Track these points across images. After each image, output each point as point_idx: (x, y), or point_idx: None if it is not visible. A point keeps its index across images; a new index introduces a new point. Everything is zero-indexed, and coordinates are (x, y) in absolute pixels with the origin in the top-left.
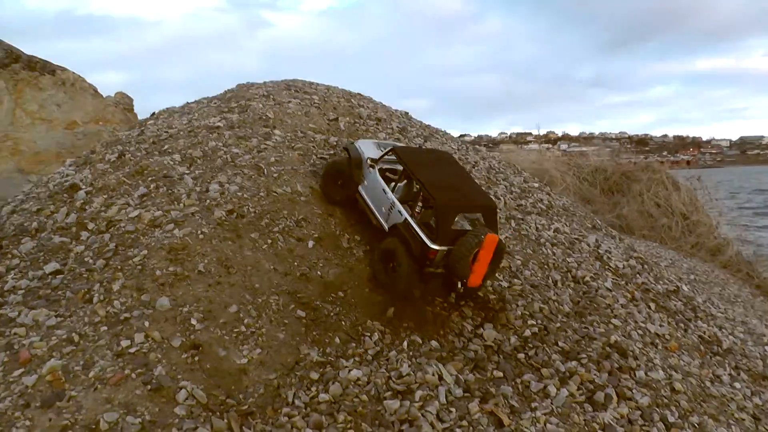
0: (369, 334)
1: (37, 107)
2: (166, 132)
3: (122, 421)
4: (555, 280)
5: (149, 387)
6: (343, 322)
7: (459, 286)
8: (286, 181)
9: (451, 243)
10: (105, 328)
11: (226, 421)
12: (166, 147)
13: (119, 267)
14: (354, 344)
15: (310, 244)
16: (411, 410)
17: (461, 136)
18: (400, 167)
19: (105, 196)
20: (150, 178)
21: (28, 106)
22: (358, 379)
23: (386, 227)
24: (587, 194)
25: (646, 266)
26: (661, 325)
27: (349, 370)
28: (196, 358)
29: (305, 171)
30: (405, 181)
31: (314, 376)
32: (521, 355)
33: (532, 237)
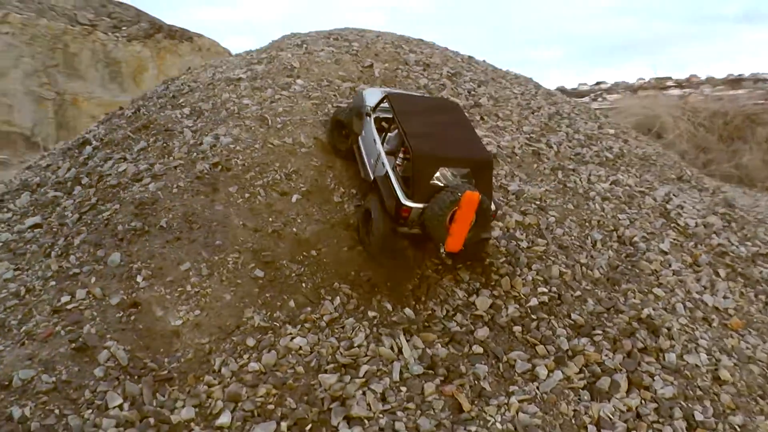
0: (330, 298)
1: (177, 72)
2: (188, 86)
3: (37, 379)
4: (594, 241)
5: (74, 345)
6: (304, 284)
7: (441, 250)
8: (289, 132)
9: (429, 200)
10: (54, 283)
11: (140, 386)
12: (180, 101)
13: (89, 222)
14: (309, 309)
15: (294, 198)
16: (348, 387)
17: (598, 83)
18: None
19: (107, 151)
20: (153, 132)
21: (170, 71)
22: (300, 348)
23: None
24: (702, 141)
25: (734, 224)
26: (725, 297)
27: (292, 338)
28: (132, 317)
29: (315, 121)
30: (396, 131)
31: (250, 342)
32: (517, 328)
33: (580, 190)
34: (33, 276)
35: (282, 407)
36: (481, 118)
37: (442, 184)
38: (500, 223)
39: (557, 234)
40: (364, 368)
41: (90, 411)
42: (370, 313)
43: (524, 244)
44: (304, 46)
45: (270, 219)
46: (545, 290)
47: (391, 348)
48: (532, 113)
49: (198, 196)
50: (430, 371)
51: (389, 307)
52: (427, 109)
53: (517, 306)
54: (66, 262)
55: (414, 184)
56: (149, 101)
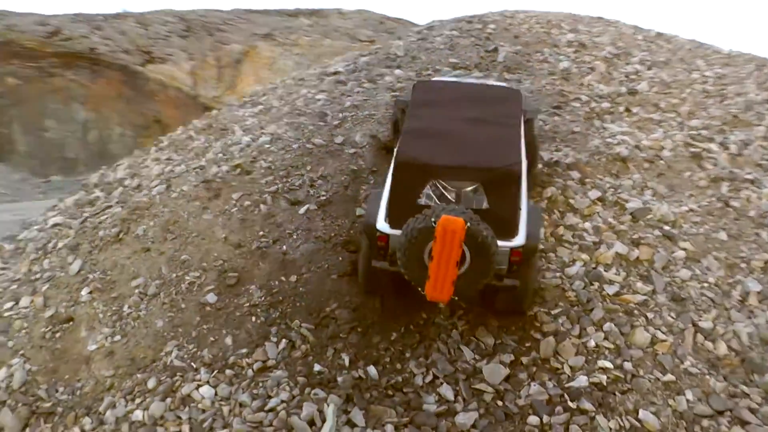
0: (276, 340)
1: None
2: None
3: None
4: (745, 293)
5: None
6: (255, 318)
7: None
8: (345, 130)
9: None
10: (15, 286)
11: (12, 416)
12: (261, 99)
13: (82, 225)
14: (245, 350)
15: (304, 209)
16: None
17: None
18: None
19: (170, 150)
20: (213, 131)
21: None
22: (201, 400)
23: None
24: None
25: None
26: None
27: (199, 386)
28: (57, 335)
29: (384, 117)
30: None
31: (151, 384)
32: (534, 420)
33: (750, 212)
34: (1, 278)
35: None
36: (626, 110)
37: (432, 204)
38: (583, 255)
39: (679, 277)
40: None
41: None
42: (316, 367)
43: (611, 290)
44: (424, 32)
45: (261, 233)
46: (609, 365)
47: (310, 420)
48: (720, 102)
49: (192, 202)
50: None
51: (346, 360)
52: (459, 100)
53: (552, 384)
54: (37, 266)
55: (392, 202)
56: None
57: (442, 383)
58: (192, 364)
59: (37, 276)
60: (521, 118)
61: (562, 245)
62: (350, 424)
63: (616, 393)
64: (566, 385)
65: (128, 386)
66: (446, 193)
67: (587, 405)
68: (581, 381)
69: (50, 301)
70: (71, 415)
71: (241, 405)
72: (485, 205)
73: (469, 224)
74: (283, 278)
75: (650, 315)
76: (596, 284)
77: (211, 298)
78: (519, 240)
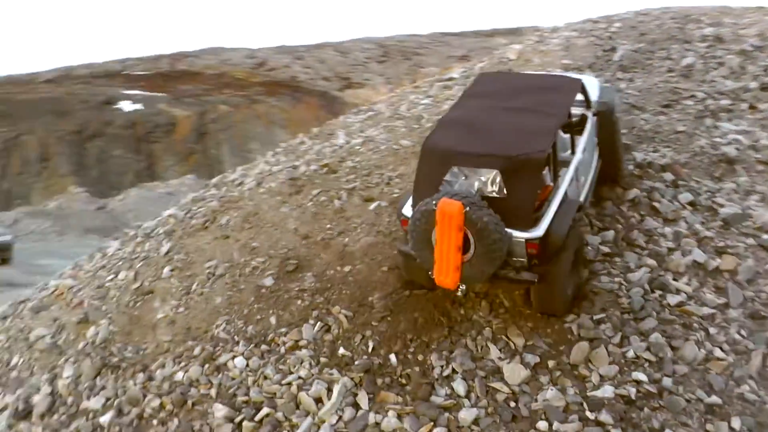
0: (314, 323)
1: None
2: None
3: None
4: None
5: (80, 318)
6: (300, 301)
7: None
8: None
9: None
10: (119, 263)
11: (91, 365)
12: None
13: (184, 216)
14: (285, 330)
15: (374, 205)
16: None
17: None
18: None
19: (282, 154)
20: (322, 135)
21: None
22: (232, 368)
23: None
24: None
25: None
26: None
27: (234, 357)
28: (138, 303)
29: None
30: None
31: (197, 351)
32: (543, 425)
33: None
34: (115, 257)
35: (155, 426)
36: (751, 107)
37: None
38: (650, 261)
39: (764, 292)
40: (263, 411)
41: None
42: (341, 350)
43: (673, 300)
44: (544, 34)
45: (328, 226)
46: (644, 378)
47: (317, 397)
48: None
49: (275, 197)
50: None
51: (370, 346)
52: (510, 90)
53: (574, 392)
54: (141, 247)
55: (415, 187)
56: None
57: (462, 378)
58: (235, 337)
59: (137, 256)
60: (568, 108)
61: (633, 250)
62: (355, 405)
63: (645, 408)
64: (589, 394)
65: (179, 351)
66: (468, 180)
67: (606, 417)
68: (606, 391)
69: (140, 276)
70: (131, 371)
71: (265, 377)
72: (503, 193)
73: (467, 209)
74: (338, 267)
75: (713, 330)
76: (658, 293)
77: (268, 281)
78: (537, 232)
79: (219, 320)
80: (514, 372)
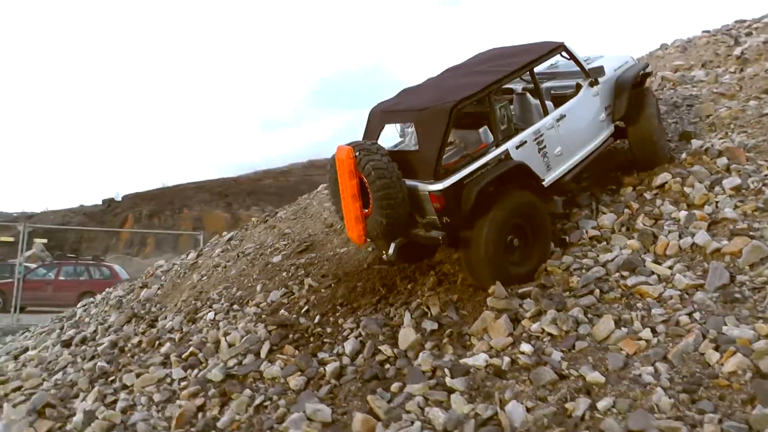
0: (282, 290)
1: None
2: None
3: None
4: None
5: (142, 283)
6: (285, 273)
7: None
8: None
9: None
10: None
11: (123, 316)
12: None
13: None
14: (261, 294)
15: None
16: None
17: None
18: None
19: None
20: None
21: None
22: (203, 321)
23: None
24: None
25: None
26: None
27: (209, 313)
28: (184, 275)
29: None
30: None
31: (189, 308)
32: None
33: None
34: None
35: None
36: None
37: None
38: (637, 243)
39: (764, 276)
40: (190, 350)
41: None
42: (281, 312)
43: (632, 281)
44: (678, 41)
45: None
46: (528, 350)
47: (231, 343)
48: None
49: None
50: None
51: (304, 309)
52: (486, 59)
53: (449, 358)
54: (219, 239)
55: None
56: None
57: (352, 339)
58: (222, 299)
59: (213, 244)
60: (514, 69)
61: (625, 234)
62: (257, 354)
63: (509, 380)
64: (460, 361)
65: (182, 308)
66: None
67: (460, 383)
68: (478, 359)
69: (200, 257)
70: (146, 320)
71: (216, 327)
72: (417, 144)
73: (357, 153)
74: (338, 249)
75: (657, 311)
76: (623, 273)
77: (276, 259)
78: (438, 185)
79: (221, 286)
80: (405, 337)
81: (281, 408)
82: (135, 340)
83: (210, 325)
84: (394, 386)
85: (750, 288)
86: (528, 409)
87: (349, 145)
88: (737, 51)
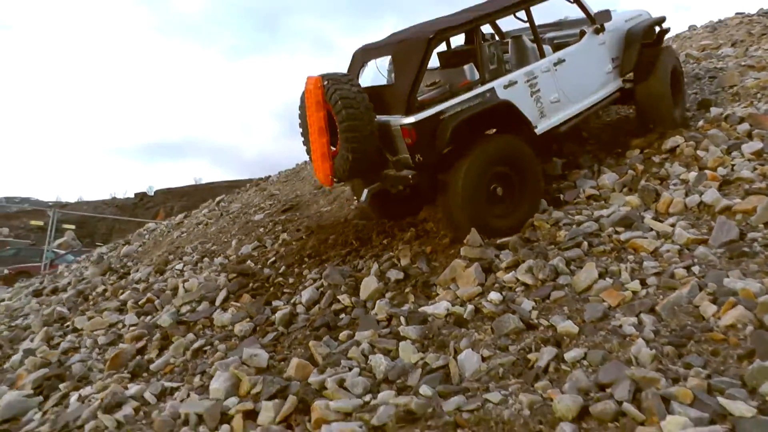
0: (254, 244)
1: None
2: None
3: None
4: None
5: (125, 241)
6: (263, 229)
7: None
8: None
9: None
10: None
11: (99, 268)
12: None
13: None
14: (234, 249)
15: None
16: None
17: None
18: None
19: None
20: None
21: None
22: (174, 269)
23: None
24: None
25: None
26: None
27: (178, 264)
28: (168, 233)
29: None
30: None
31: (159, 260)
32: None
33: None
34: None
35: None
36: None
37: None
38: (635, 201)
39: None
40: (147, 296)
41: None
42: (248, 262)
43: (625, 236)
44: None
45: None
46: (497, 298)
47: (189, 288)
48: None
49: None
50: None
51: (271, 260)
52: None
53: (408, 308)
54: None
55: None
56: None
57: (311, 288)
58: (194, 253)
59: (207, 207)
60: (500, 8)
61: (626, 192)
62: (212, 301)
63: (469, 329)
64: (418, 310)
65: (156, 260)
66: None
67: (412, 332)
68: (438, 308)
69: (186, 219)
70: (120, 272)
71: (181, 276)
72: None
73: (325, 82)
74: (322, 209)
75: (649, 263)
76: (617, 228)
77: (258, 217)
78: (409, 118)
79: (197, 242)
80: (367, 286)
81: (219, 353)
82: (100, 288)
83: (176, 275)
84: (343, 334)
85: (762, 244)
86: (483, 358)
87: (314, 76)
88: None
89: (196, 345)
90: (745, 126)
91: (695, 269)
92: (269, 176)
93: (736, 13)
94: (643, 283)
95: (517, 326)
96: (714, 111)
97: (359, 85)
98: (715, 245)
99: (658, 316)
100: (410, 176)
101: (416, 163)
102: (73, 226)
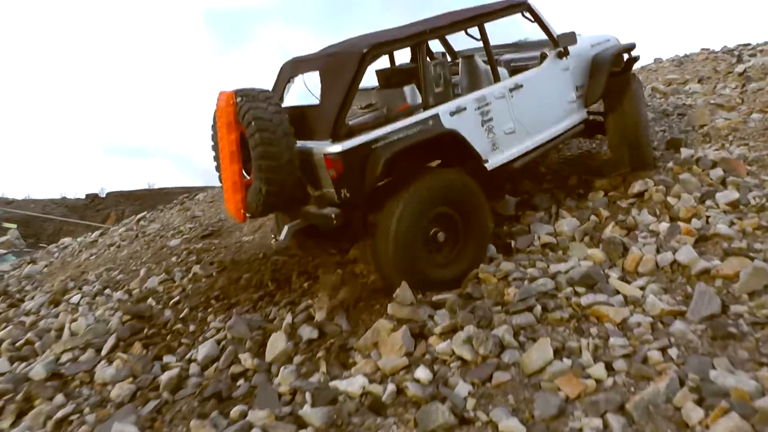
0: (162, 276)
1: None
2: None
3: None
4: None
5: (33, 259)
6: (175, 258)
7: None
8: None
9: None
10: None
11: None
12: None
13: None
14: (140, 280)
15: None
16: None
17: None
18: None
19: None
20: None
21: None
22: (71, 301)
23: None
24: None
25: None
26: None
27: (76, 295)
28: (78, 254)
29: None
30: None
31: (59, 288)
32: None
33: None
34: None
35: None
36: None
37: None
38: (600, 255)
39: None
40: (28, 336)
41: None
42: (149, 300)
43: (587, 299)
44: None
45: None
46: (424, 376)
47: (75, 332)
48: None
49: None
50: None
51: (175, 299)
52: (447, 14)
53: (318, 380)
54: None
55: None
56: None
57: (211, 342)
58: (96, 282)
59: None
60: (464, 20)
61: (587, 243)
62: (98, 349)
63: (387, 417)
64: (330, 383)
65: (56, 287)
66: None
67: (316, 419)
68: (353, 383)
69: (102, 237)
70: (13, 300)
71: (73, 311)
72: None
73: (238, 99)
74: (243, 238)
75: (617, 341)
76: (577, 289)
77: (174, 242)
78: (335, 146)
79: (103, 267)
80: (274, 345)
81: (85, 426)
82: None
83: (70, 310)
84: (236, 411)
85: (750, 323)
86: None
87: (227, 91)
88: (739, 68)
89: (60, 414)
90: (719, 171)
91: (673, 352)
92: (196, 194)
93: (702, 49)
94: (609, 368)
95: (447, 421)
96: (684, 152)
97: (279, 104)
98: (694, 319)
99: (629, 418)
100: (334, 216)
101: (342, 200)
102: (14, 225)
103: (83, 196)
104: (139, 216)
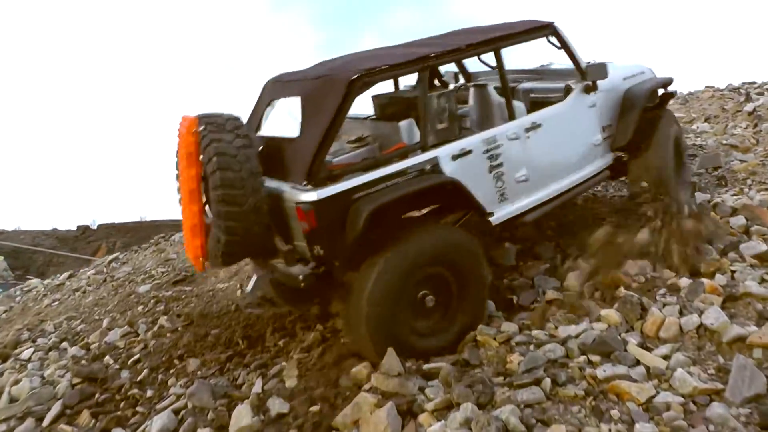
0: (125, 329)
1: None
2: None
3: None
4: None
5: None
6: (142, 307)
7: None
8: None
9: None
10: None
11: None
12: None
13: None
14: (100, 332)
15: None
16: None
17: None
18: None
19: None
20: None
21: None
22: (18, 357)
23: None
24: None
25: None
26: None
27: (29, 348)
28: (40, 298)
29: None
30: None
31: (12, 339)
32: None
33: None
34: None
35: None
36: None
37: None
38: (616, 317)
39: None
40: None
41: None
42: (106, 359)
43: (603, 372)
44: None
45: None
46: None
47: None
48: None
49: None
50: None
51: (136, 357)
52: (453, 34)
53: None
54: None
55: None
56: None
57: (167, 414)
58: (54, 333)
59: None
60: (477, 44)
61: (598, 300)
62: (39, 418)
63: None
64: None
65: (9, 339)
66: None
67: None
68: None
69: (70, 280)
70: None
71: (22, 368)
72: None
73: (201, 128)
74: (217, 284)
75: (645, 427)
76: (591, 357)
77: (143, 288)
78: (310, 194)
79: (65, 316)
80: (237, 420)
81: None
82: None
83: (18, 367)
84: None
85: None
86: None
87: (190, 116)
88: (748, 107)
89: None
90: (740, 219)
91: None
92: (172, 234)
93: (706, 86)
94: None
95: None
96: (700, 197)
97: (248, 135)
98: (735, 401)
99: None
100: (302, 278)
101: (315, 257)
102: (1, 258)
103: (74, 228)
104: (111, 257)
